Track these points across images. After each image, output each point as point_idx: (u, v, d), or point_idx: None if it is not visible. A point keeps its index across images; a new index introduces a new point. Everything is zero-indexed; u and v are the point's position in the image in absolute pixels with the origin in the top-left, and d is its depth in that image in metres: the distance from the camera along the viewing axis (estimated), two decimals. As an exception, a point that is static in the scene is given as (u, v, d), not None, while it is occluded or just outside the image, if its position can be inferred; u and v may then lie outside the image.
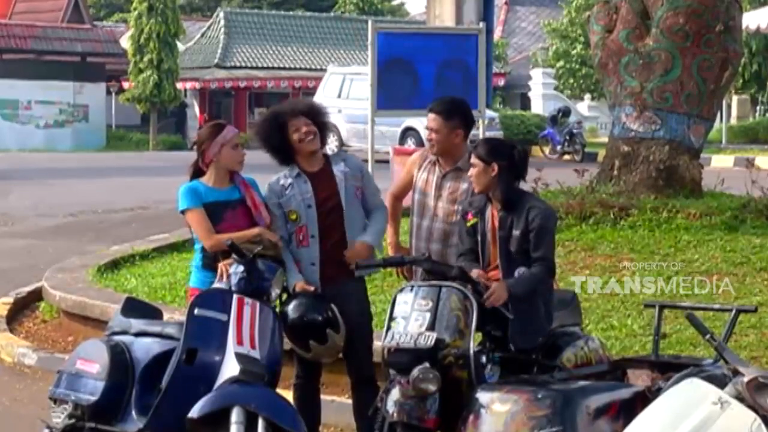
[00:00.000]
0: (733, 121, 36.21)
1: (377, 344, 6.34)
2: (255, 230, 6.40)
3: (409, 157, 7.51)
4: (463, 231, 6.37)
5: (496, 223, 6.18)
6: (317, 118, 6.66)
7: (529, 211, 6.09)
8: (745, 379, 4.77)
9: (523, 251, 6.08)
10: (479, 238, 6.24)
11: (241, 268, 6.16)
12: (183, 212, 6.53)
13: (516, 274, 6.08)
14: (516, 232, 6.09)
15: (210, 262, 6.43)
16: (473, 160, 6.22)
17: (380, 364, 6.05)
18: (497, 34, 43.38)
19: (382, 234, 6.75)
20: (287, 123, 6.58)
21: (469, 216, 6.31)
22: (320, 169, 6.66)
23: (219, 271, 6.33)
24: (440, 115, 6.70)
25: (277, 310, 6.40)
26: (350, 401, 6.93)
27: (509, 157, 6.19)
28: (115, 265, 11.60)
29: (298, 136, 6.57)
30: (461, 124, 6.76)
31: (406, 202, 7.14)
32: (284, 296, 6.51)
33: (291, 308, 6.38)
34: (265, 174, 6.79)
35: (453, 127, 6.71)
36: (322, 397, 6.98)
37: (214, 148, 6.54)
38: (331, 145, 6.92)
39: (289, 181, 6.61)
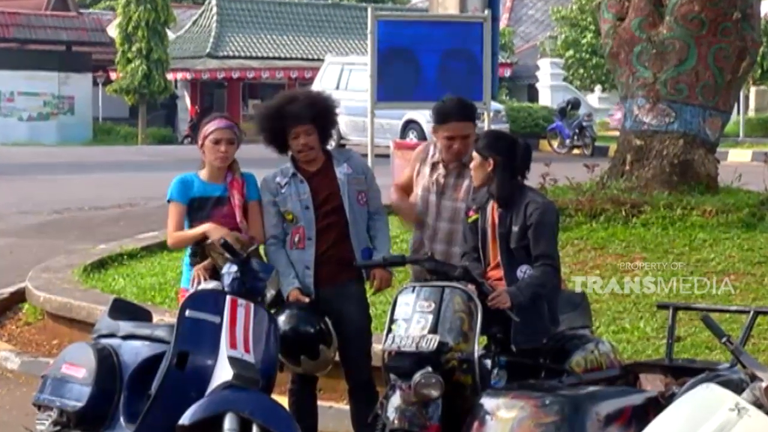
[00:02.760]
0: (751, 113, 36.22)
1: (377, 347, 6.34)
2: (200, 229, 6.41)
3: (410, 152, 7.52)
4: (466, 229, 6.38)
5: (496, 219, 6.19)
6: (321, 123, 6.58)
7: (527, 206, 6.10)
8: (764, 385, 4.77)
9: (523, 248, 6.10)
10: (480, 235, 6.26)
11: (235, 267, 6.16)
12: (169, 201, 6.60)
13: (518, 272, 6.09)
14: (515, 229, 6.10)
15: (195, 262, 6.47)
16: (473, 153, 6.24)
17: (380, 368, 6.06)
18: (503, 22, 43.35)
19: (389, 245, 6.75)
20: (287, 128, 6.56)
21: (471, 212, 6.33)
22: (319, 168, 6.62)
23: (192, 276, 6.35)
24: (470, 120, 6.70)
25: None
26: (348, 407, 6.93)
27: (508, 151, 6.20)
28: (102, 264, 11.59)
29: (296, 145, 6.56)
30: (473, 118, 6.81)
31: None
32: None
33: (283, 320, 6.37)
34: (262, 169, 6.79)
35: (469, 128, 6.71)
36: (320, 402, 6.98)
37: (200, 140, 6.61)
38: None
39: (285, 179, 6.60)
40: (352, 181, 6.60)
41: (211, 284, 6.25)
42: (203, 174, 6.62)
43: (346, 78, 27.94)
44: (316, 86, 27.54)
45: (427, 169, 6.84)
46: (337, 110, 6.77)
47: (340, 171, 6.60)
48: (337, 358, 6.62)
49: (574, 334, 6.41)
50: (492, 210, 6.25)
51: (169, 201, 6.60)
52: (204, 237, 6.40)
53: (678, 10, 11.78)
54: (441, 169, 6.78)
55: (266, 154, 6.86)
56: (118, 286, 10.52)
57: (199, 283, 6.31)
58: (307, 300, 6.48)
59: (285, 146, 6.63)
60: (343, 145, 24.57)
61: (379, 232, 6.67)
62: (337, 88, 27.42)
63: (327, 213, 6.55)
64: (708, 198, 11.32)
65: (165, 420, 5.82)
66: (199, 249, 6.43)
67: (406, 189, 7.04)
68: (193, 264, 6.47)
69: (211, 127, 6.59)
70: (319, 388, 7.13)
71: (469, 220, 6.34)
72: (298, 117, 6.53)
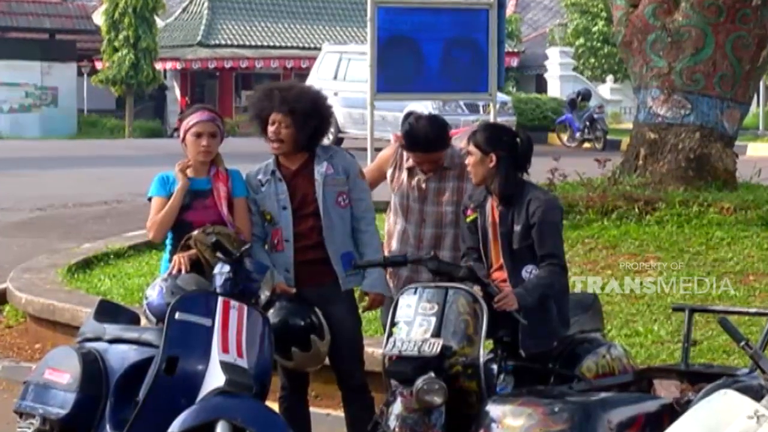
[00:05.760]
0: (772, 105, 36.18)
1: (377, 351, 6.34)
2: (175, 197, 6.46)
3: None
4: (464, 228, 6.37)
5: (497, 218, 6.19)
6: (303, 120, 6.53)
7: (529, 203, 6.10)
8: (784, 391, 4.78)
9: (527, 248, 6.09)
10: (480, 235, 6.25)
11: (227, 267, 6.15)
12: (149, 200, 6.62)
13: (524, 272, 6.09)
14: (517, 228, 6.10)
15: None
16: (470, 148, 6.23)
17: (378, 373, 6.06)
18: (510, 8, 43.35)
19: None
20: (269, 111, 6.55)
21: (469, 212, 6.32)
22: (300, 166, 6.61)
23: (173, 262, 6.36)
24: (425, 153, 6.70)
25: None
26: (345, 414, 6.94)
27: (510, 145, 6.20)
28: (87, 264, 11.60)
29: (269, 132, 6.56)
30: (444, 145, 6.77)
31: (375, 197, 7.13)
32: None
33: (272, 313, 6.38)
34: (253, 164, 6.80)
35: (438, 156, 6.74)
36: (317, 410, 6.99)
37: (181, 133, 6.63)
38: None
39: (266, 177, 6.60)
40: (330, 181, 6.56)
41: (190, 277, 6.25)
42: None
43: (344, 68, 27.89)
44: (312, 76, 27.57)
45: (404, 175, 6.84)
46: (330, 115, 6.74)
47: (318, 171, 6.57)
48: (322, 363, 6.61)
49: (585, 337, 6.42)
50: (491, 208, 6.24)
51: (149, 199, 6.63)
52: (188, 226, 6.43)
53: (694, -4, 11.79)
54: (420, 174, 6.78)
55: (256, 149, 6.86)
56: (104, 287, 10.53)
57: (179, 271, 6.31)
58: (294, 291, 6.48)
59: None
60: (342, 139, 24.57)
61: (367, 247, 6.59)
62: (335, 78, 27.41)
63: (305, 215, 6.55)
64: (726, 194, 11.33)
65: (153, 428, 5.82)
66: (181, 242, 6.44)
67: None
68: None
69: (192, 119, 6.60)
70: (316, 395, 7.14)
71: (468, 220, 6.33)
72: (278, 102, 6.54)
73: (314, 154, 6.63)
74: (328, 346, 6.48)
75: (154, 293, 6.31)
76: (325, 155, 6.64)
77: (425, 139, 6.69)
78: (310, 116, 6.55)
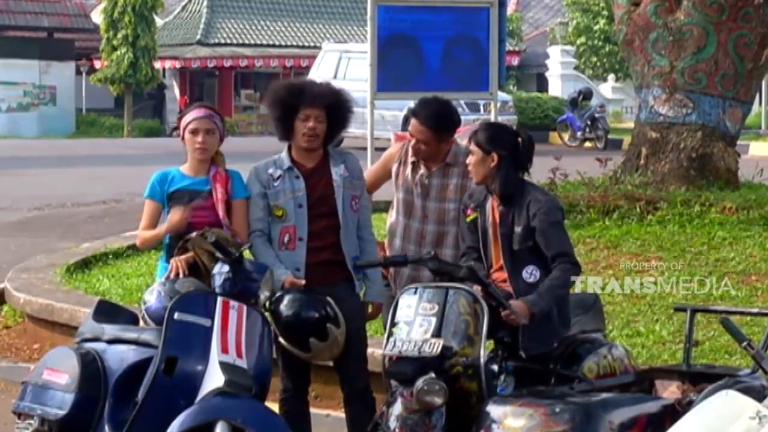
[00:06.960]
0: (774, 104, 36.19)
1: (377, 352, 6.34)
2: (161, 228, 6.47)
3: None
4: (463, 227, 6.38)
5: (497, 218, 6.19)
6: (333, 118, 6.56)
7: (529, 205, 6.09)
8: (786, 391, 4.78)
9: (527, 249, 6.09)
10: (480, 235, 6.25)
11: (227, 267, 6.16)
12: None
13: (524, 273, 6.09)
14: (518, 229, 6.10)
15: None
16: (472, 147, 6.23)
17: (379, 373, 6.06)
18: (511, 7, 43.33)
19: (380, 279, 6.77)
20: (299, 107, 6.54)
21: (469, 211, 6.32)
22: (316, 165, 6.60)
23: (170, 267, 6.36)
24: (430, 130, 6.67)
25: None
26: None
27: (511, 145, 6.20)
28: (85, 264, 11.60)
29: (303, 127, 6.52)
30: (451, 133, 6.77)
31: (376, 196, 7.13)
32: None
33: (284, 306, 6.35)
34: (252, 162, 6.79)
35: (442, 138, 6.72)
36: (317, 410, 6.99)
37: (180, 131, 6.64)
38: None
39: (279, 172, 6.58)
40: (347, 184, 6.58)
41: (187, 281, 6.25)
42: (185, 167, 6.64)
43: (344, 67, 27.90)
44: (312, 75, 27.55)
45: (408, 170, 6.84)
46: (351, 116, 6.74)
47: (336, 172, 6.58)
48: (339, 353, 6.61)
49: (586, 338, 6.41)
50: (492, 208, 6.24)
51: (145, 198, 6.65)
52: (177, 233, 6.42)
53: (696, -5, 11.80)
54: (423, 169, 6.78)
55: (255, 148, 6.86)
56: (102, 287, 10.53)
57: (177, 275, 6.31)
58: (303, 282, 6.46)
59: (288, 131, 6.60)
60: (342, 138, 24.61)
61: (369, 256, 6.63)
62: (335, 77, 27.37)
63: (320, 214, 6.54)
64: (728, 194, 11.33)
65: (152, 429, 5.83)
66: (178, 245, 6.43)
67: (371, 189, 7.01)
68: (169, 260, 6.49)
69: (189, 117, 6.60)
70: (316, 396, 7.12)
71: (468, 219, 6.33)
72: (315, 97, 6.53)
73: (327, 154, 6.64)
74: (344, 334, 6.44)
75: (152, 298, 6.30)
76: (340, 158, 6.67)
77: (431, 112, 6.70)
78: (345, 114, 6.62)
